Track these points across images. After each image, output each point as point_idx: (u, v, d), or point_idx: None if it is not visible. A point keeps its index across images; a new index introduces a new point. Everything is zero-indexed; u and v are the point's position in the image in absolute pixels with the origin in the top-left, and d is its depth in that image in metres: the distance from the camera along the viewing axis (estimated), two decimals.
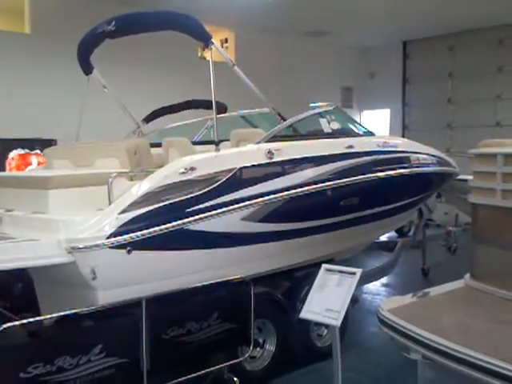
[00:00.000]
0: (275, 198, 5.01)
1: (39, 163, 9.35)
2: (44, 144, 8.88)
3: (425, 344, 3.60)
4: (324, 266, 4.52)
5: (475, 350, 3.31)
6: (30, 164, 9.56)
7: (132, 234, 4.12)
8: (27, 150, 9.75)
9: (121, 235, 4.07)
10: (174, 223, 4.36)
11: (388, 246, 8.62)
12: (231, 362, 4.69)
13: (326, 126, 5.89)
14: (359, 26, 14.85)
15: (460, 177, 7.54)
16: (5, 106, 10.26)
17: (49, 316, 3.77)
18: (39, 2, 11.21)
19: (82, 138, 6.23)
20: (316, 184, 5.34)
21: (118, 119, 7.09)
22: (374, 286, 8.48)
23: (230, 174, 4.75)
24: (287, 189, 5.11)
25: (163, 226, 4.29)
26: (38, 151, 9.62)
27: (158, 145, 6.39)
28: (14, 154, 9.69)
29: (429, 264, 9.21)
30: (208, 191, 4.59)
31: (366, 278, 6.80)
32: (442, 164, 7.13)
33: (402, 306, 4.22)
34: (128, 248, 4.10)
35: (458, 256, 9.83)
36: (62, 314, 3.74)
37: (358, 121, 7.25)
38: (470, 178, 4.94)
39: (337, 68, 17.29)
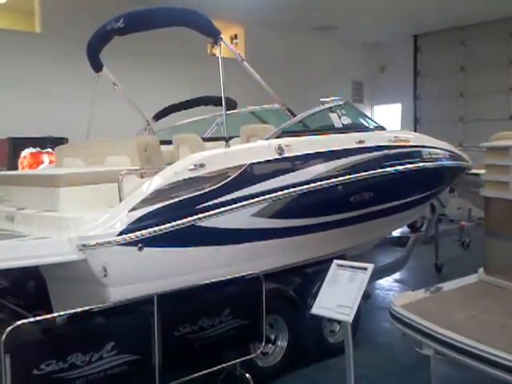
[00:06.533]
0: (285, 193, 4.98)
1: (51, 161, 9.37)
2: (55, 142, 8.93)
3: (437, 339, 3.58)
4: (335, 261, 4.48)
5: (489, 345, 3.29)
6: (42, 162, 9.59)
7: (143, 231, 4.12)
8: (39, 149, 9.79)
9: (132, 232, 4.07)
10: (185, 220, 4.34)
11: (400, 242, 8.56)
12: (243, 359, 4.68)
13: (336, 120, 5.85)
14: (369, 20, 14.79)
15: (472, 171, 7.48)
16: (16, 106, 10.33)
17: (61, 313, 3.79)
18: (49, 1, 11.26)
19: (92, 135, 6.23)
20: (326, 179, 5.30)
21: (128, 117, 7.10)
22: (387, 282, 8.45)
23: (240, 170, 4.73)
24: (297, 184, 5.08)
25: (174, 223, 4.28)
26: (49, 150, 9.64)
27: (169, 142, 6.39)
28: (26, 152, 9.74)
29: (442, 259, 9.15)
30: (218, 187, 4.57)
31: (379, 274, 6.76)
32: (454, 158, 7.07)
33: (414, 302, 4.19)
34: (139, 245, 4.10)
35: (471, 251, 9.75)
36: (73, 311, 3.75)
37: (368, 115, 7.21)
38: (482, 171, 4.90)
39: (347, 62, 17.22)
